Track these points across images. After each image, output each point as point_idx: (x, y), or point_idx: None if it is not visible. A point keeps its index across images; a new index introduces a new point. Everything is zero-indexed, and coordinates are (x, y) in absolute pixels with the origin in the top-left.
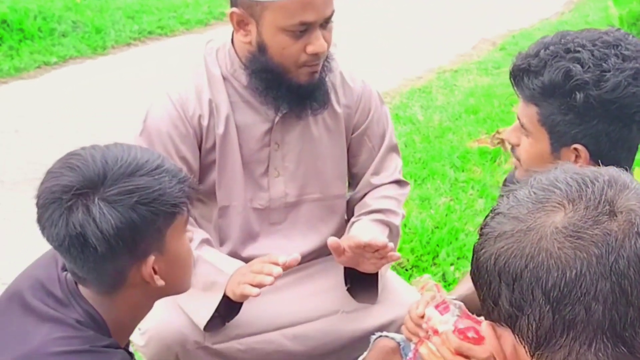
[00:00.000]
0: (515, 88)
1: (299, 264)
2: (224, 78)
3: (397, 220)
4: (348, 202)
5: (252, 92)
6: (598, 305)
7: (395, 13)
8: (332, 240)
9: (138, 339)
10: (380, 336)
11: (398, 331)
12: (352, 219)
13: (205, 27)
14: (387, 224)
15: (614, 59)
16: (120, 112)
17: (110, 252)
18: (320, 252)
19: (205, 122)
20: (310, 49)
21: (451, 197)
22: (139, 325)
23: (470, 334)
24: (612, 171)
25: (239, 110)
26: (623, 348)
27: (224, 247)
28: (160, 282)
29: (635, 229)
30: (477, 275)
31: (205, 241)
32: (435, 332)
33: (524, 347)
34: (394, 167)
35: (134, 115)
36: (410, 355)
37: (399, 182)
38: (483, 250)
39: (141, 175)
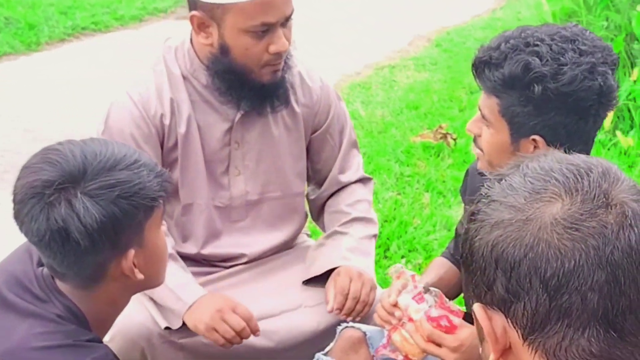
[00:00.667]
0: (477, 80)
1: (260, 258)
2: (184, 77)
3: (376, 228)
4: (314, 200)
5: (212, 91)
6: (594, 294)
7: (327, 9)
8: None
9: None
10: (347, 327)
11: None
12: (336, 227)
13: (140, 22)
14: (374, 236)
15: (571, 54)
16: (55, 108)
17: (93, 246)
18: (281, 248)
19: (167, 121)
20: (272, 48)
21: (398, 191)
22: None
23: (443, 322)
24: (603, 162)
25: (200, 110)
26: (613, 333)
27: (187, 244)
28: (139, 276)
29: (629, 222)
30: (470, 260)
31: (170, 256)
32: (410, 319)
33: (517, 331)
34: (357, 163)
35: (70, 111)
36: (384, 341)
37: (362, 180)
38: (479, 237)
39: (120, 170)
